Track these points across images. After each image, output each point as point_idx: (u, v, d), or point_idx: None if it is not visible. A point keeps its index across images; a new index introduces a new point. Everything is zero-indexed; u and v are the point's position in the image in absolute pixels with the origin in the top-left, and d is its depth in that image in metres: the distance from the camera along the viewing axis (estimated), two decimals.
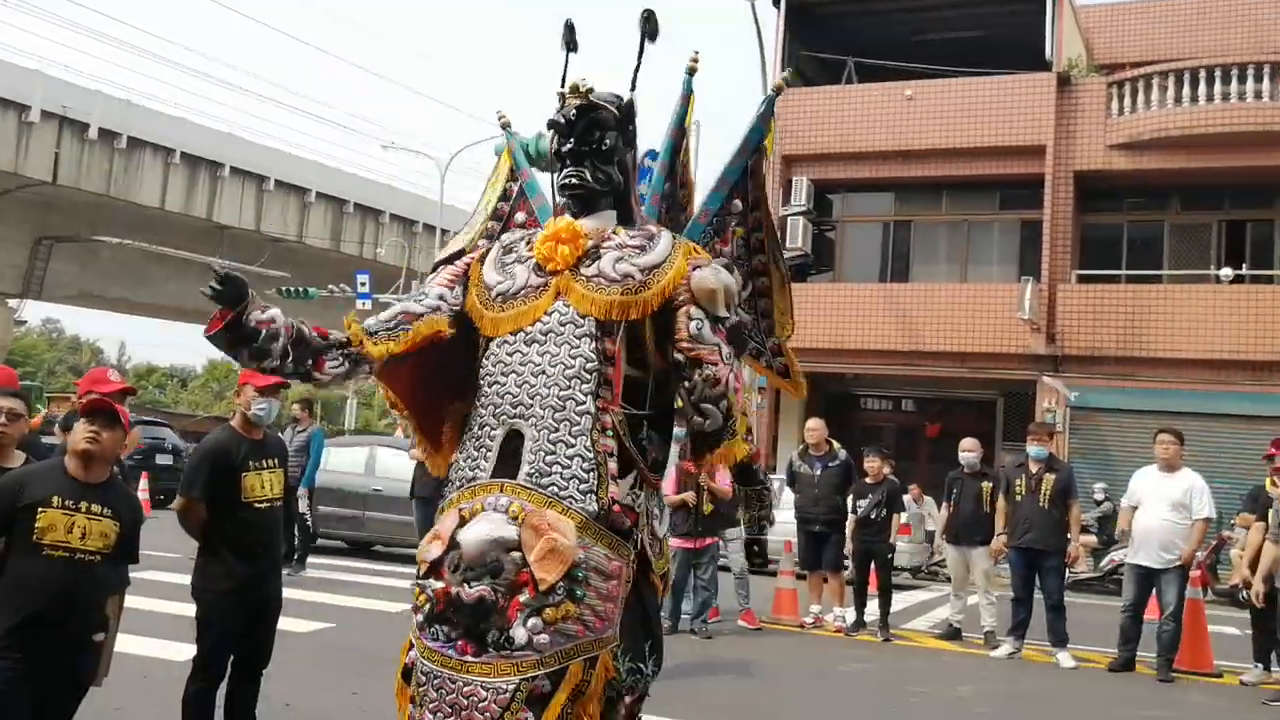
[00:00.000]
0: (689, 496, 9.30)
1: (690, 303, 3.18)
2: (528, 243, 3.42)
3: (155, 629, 7.33)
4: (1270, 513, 7.66)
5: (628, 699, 3.23)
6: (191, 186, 30.88)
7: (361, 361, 3.22)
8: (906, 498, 15.04)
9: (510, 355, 3.19)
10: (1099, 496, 15.81)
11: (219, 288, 2.97)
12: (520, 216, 3.83)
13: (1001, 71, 18.92)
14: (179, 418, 47.42)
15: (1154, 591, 8.86)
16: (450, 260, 3.60)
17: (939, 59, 19.26)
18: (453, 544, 2.98)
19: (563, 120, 3.37)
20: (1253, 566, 7.97)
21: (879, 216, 20.96)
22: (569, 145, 3.35)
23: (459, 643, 2.91)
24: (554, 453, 3.05)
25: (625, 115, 3.44)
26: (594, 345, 3.14)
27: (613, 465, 3.09)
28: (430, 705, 2.94)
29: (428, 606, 2.98)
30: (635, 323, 3.20)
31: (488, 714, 2.85)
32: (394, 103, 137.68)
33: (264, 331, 3.02)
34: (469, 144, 54.39)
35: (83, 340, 69.20)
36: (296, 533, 11.25)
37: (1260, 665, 8.72)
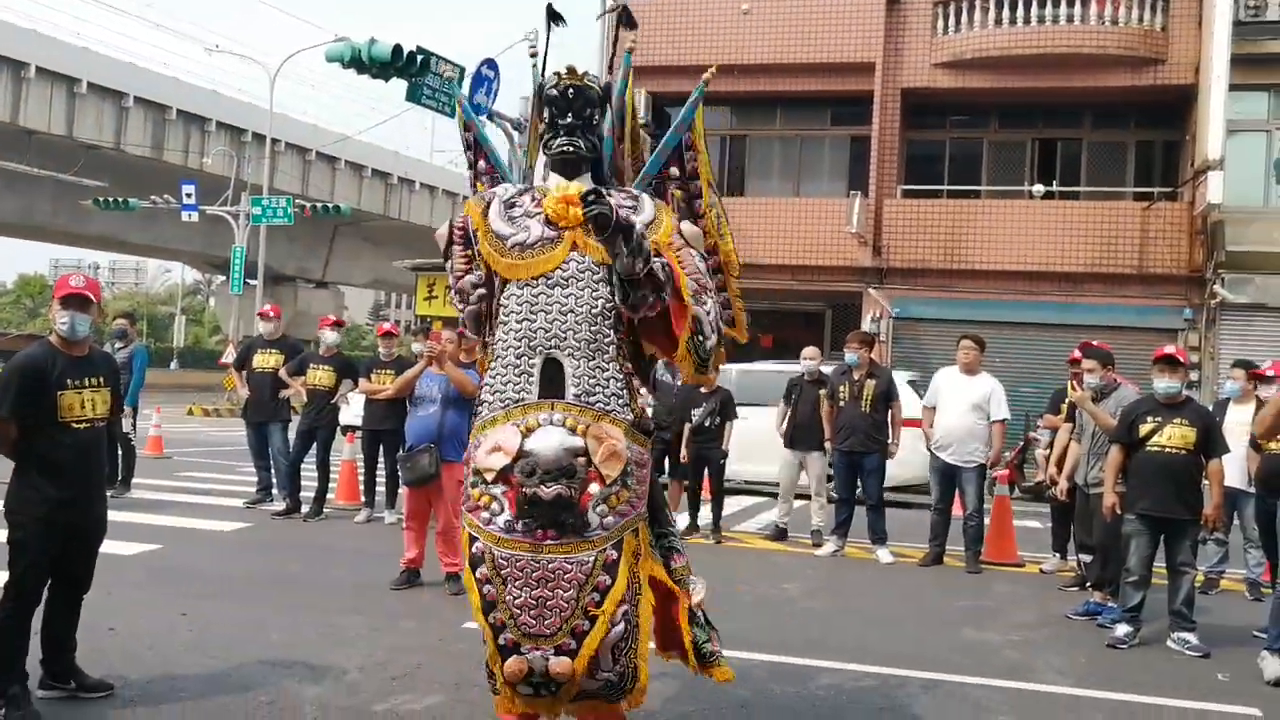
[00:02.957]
0: None
1: (686, 245, 4.05)
2: (533, 199, 4.07)
3: None
4: (1075, 414, 8.26)
5: (677, 562, 4.15)
6: None
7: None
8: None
9: (537, 296, 3.87)
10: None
11: (591, 202, 3.70)
12: (480, 165, 4.67)
13: None
14: None
15: (957, 489, 9.49)
16: (451, 238, 4.20)
17: None
18: (521, 454, 3.67)
19: (560, 95, 4.11)
20: (1060, 464, 8.62)
21: (715, 131, 21.14)
22: (568, 119, 4.08)
23: (538, 531, 3.65)
24: (594, 377, 3.82)
25: (605, 95, 4.24)
26: (609, 289, 3.87)
27: (637, 382, 3.95)
28: (516, 582, 3.66)
29: (495, 505, 3.70)
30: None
31: (574, 582, 3.65)
32: (217, 3, 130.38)
33: (637, 238, 3.83)
34: (299, 49, 52.21)
35: None
36: (120, 453, 10.95)
37: (1058, 555, 9.47)
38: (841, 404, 9.90)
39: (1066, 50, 18.04)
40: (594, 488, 3.68)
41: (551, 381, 3.80)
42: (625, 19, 4.40)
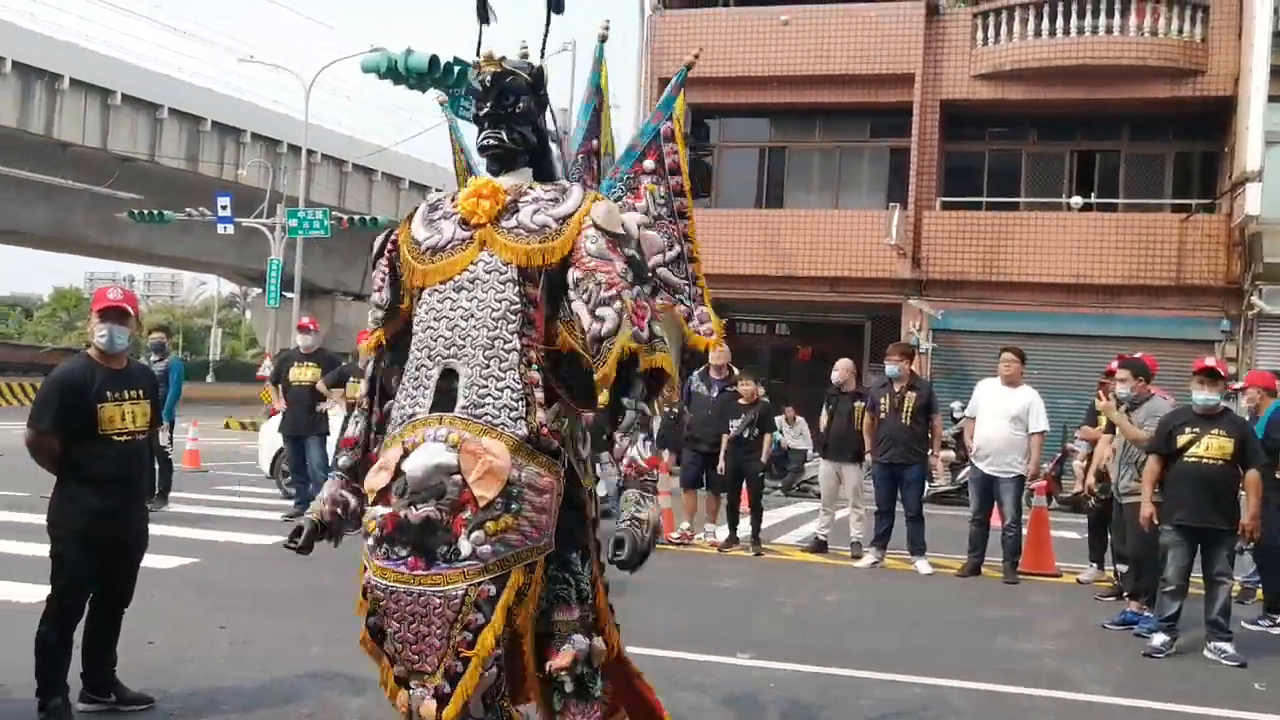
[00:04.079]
0: None
1: (591, 226, 3.49)
2: (451, 200, 3.73)
3: (3, 571, 7.21)
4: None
5: (562, 614, 3.60)
6: (26, 100, 28.86)
7: (388, 392, 3.77)
8: (781, 418, 15.67)
9: (440, 302, 3.51)
10: (958, 414, 16.64)
11: (298, 545, 3.62)
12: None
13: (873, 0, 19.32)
14: (23, 349, 45.43)
15: (995, 500, 9.55)
16: (382, 250, 3.85)
17: None
18: (398, 473, 3.31)
19: (479, 87, 3.69)
20: (1099, 475, 8.70)
21: (755, 142, 21.32)
22: (486, 109, 3.66)
23: (409, 559, 3.27)
24: (486, 386, 3.40)
25: (536, 80, 3.74)
26: (517, 290, 3.47)
27: (539, 395, 3.45)
28: (394, 615, 3.31)
29: (377, 530, 3.31)
30: (555, 269, 3.50)
31: (443, 618, 3.25)
32: (251, 13, 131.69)
33: (348, 518, 3.68)
34: (334, 60, 52.49)
35: None
36: (157, 466, 10.83)
37: (1095, 565, 9.51)
38: (882, 416, 9.99)
39: (1106, 62, 18.03)
40: (467, 512, 3.25)
41: (448, 393, 3.44)
42: (554, 2, 3.89)
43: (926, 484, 10.24)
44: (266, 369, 15.53)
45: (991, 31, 18.92)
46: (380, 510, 3.33)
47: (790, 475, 16.81)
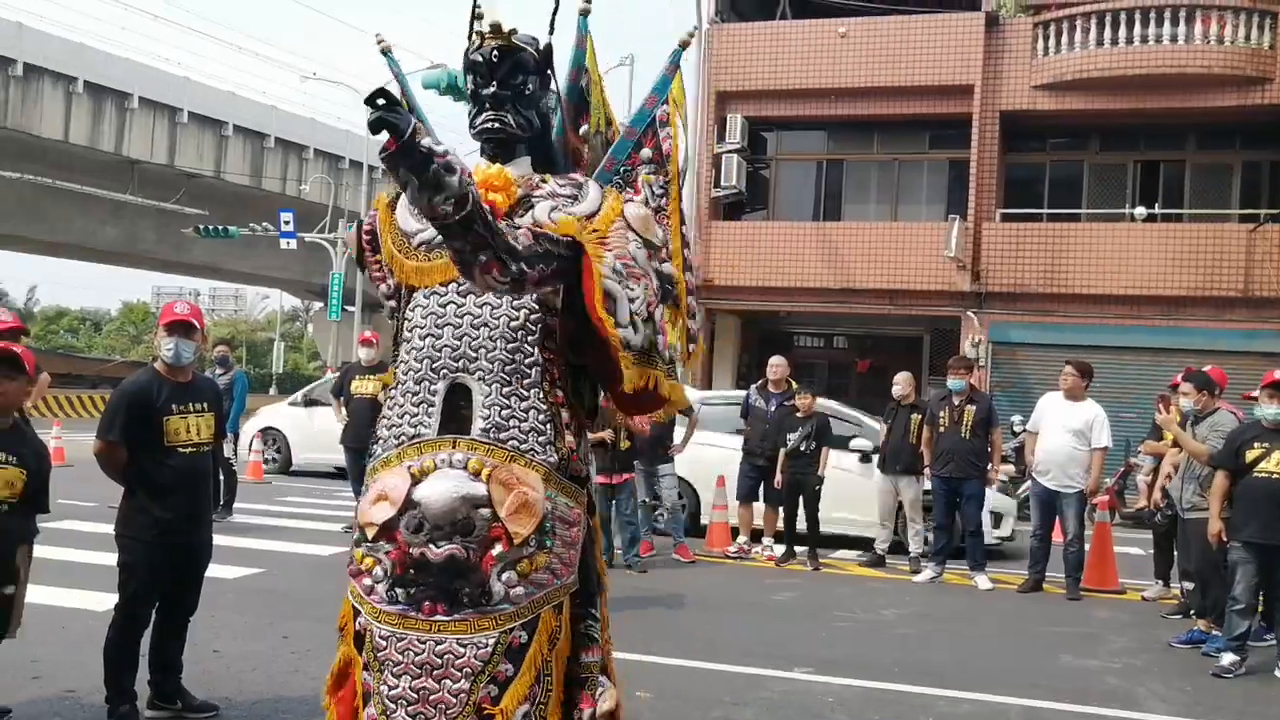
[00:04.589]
0: (607, 434, 9.38)
1: (626, 228, 3.15)
2: None
3: (73, 579, 7.30)
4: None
5: (590, 655, 3.22)
6: (97, 118, 29.47)
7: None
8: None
9: (444, 306, 3.10)
10: (1018, 428, 16.45)
11: (378, 106, 2.52)
12: None
13: (932, 10, 19.21)
14: (93, 362, 46.37)
15: (1057, 515, 9.42)
16: (362, 248, 3.49)
17: None
18: (409, 504, 2.88)
19: (482, 60, 3.25)
20: (1164, 490, 8.58)
21: (812, 155, 21.26)
22: (491, 88, 3.24)
23: (425, 603, 2.85)
24: (509, 406, 3.00)
25: (544, 59, 3.36)
26: (536, 296, 3.08)
27: (566, 416, 3.10)
28: (394, 668, 2.87)
29: (379, 570, 2.91)
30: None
31: (467, 669, 2.83)
32: (313, 30, 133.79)
33: (436, 163, 2.58)
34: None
35: None
36: (222, 477, 10.92)
37: (1161, 582, 9.35)
38: (941, 429, 9.92)
39: (1171, 70, 17.75)
40: (498, 548, 2.86)
41: (457, 413, 3.03)
42: None
43: (986, 498, 10.13)
44: (327, 382, 15.75)
45: (1052, 41, 18.72)
46: (384, 547, 2.91)
47: None
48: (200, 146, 33.46)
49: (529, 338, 3.08)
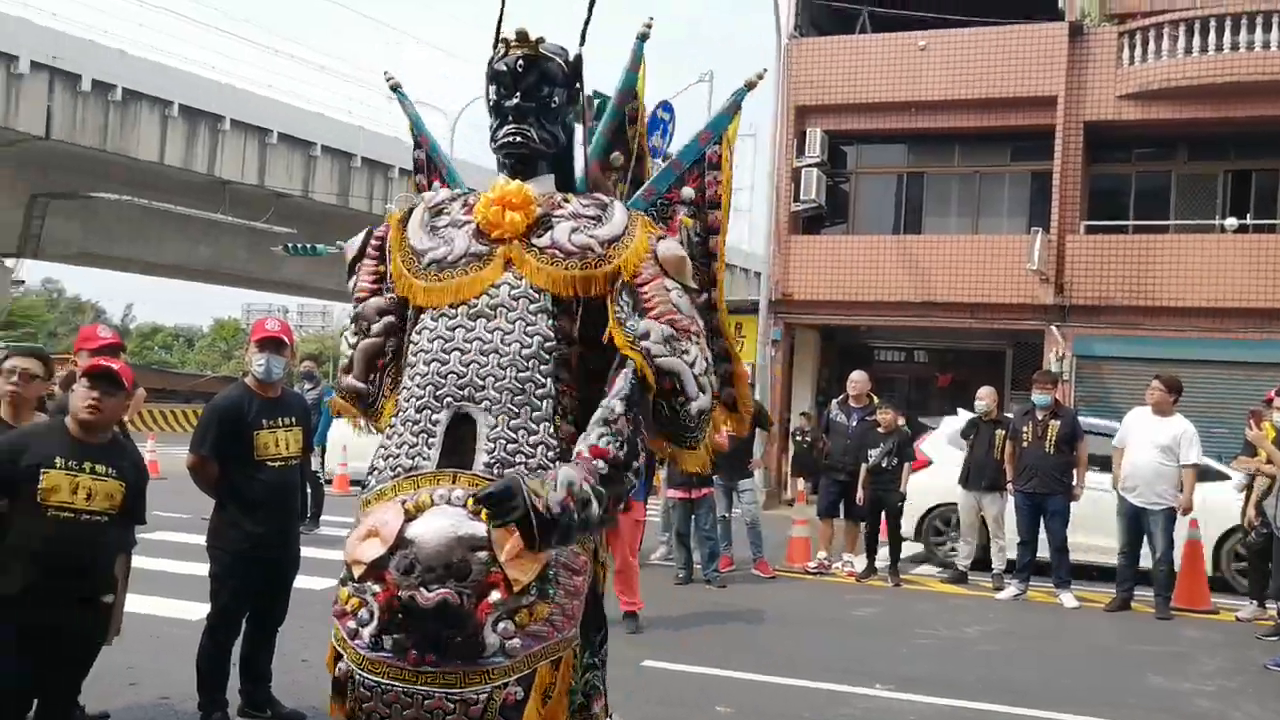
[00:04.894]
0: None
1: (661, 274, 2.95)
2: (465, 205, 3.14)
3: (167, 589, 7.49)
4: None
5: (596, 704, 3.07)
6: (191, 140, 30.19)
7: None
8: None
9: (452, 330, 2.90)
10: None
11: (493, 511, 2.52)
12: (436, 185, 3.62)
13: (1014, 21, 19.00)
14: (186, 378, 47.60)
15: (1145, 532, 9.23)
16: (363, 251, 3.37)
17: (952, 8, 19.34)
18: (401, 542, 2.65)
19: (507, 70, 3.08)
20: (1258, 507, 8.38)
21: (892, 168, 21.12)
22: (514, 100, 3.06)
23: (413, 652, 2.61)
24: (516, 440, 2.77)
25: (573, 71, 3.17)
26: (550, 323, 2.89)
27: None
28: None
29: (364, 613, 2.67)
30: (592, 299, 2.95)
31: None
32: (396, 52, 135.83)
33: (573, 518, 2.59)
34: (478, 96, 53.85)
35: (84, 301, 69.20)
36: (309, 490, 11.03)
37: (1255, 602, 9.12)
38: (1024, 444, 9.80)
39: (1261, 78, 17.32)
40: (495, 595, 2.60)
41: (459, 445, 2.80)
42: None
43: (1072, 514, 9.97)
44: None
45: (1138, 50, 18.38)
46: (372, 587, 2.65)
47: None
48: (289, 167, 34.12)
49: (542, 367, 2.85)
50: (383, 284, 3.19)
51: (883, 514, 10.52)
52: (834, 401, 11.39)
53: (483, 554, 2.61)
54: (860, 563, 10.69)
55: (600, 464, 2.66)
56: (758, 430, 11.03)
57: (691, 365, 2.88)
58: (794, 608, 8.78)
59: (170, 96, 28.85)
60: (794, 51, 19.84)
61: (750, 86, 3.43)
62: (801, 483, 13.50)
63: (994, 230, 19.62)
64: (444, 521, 2.64)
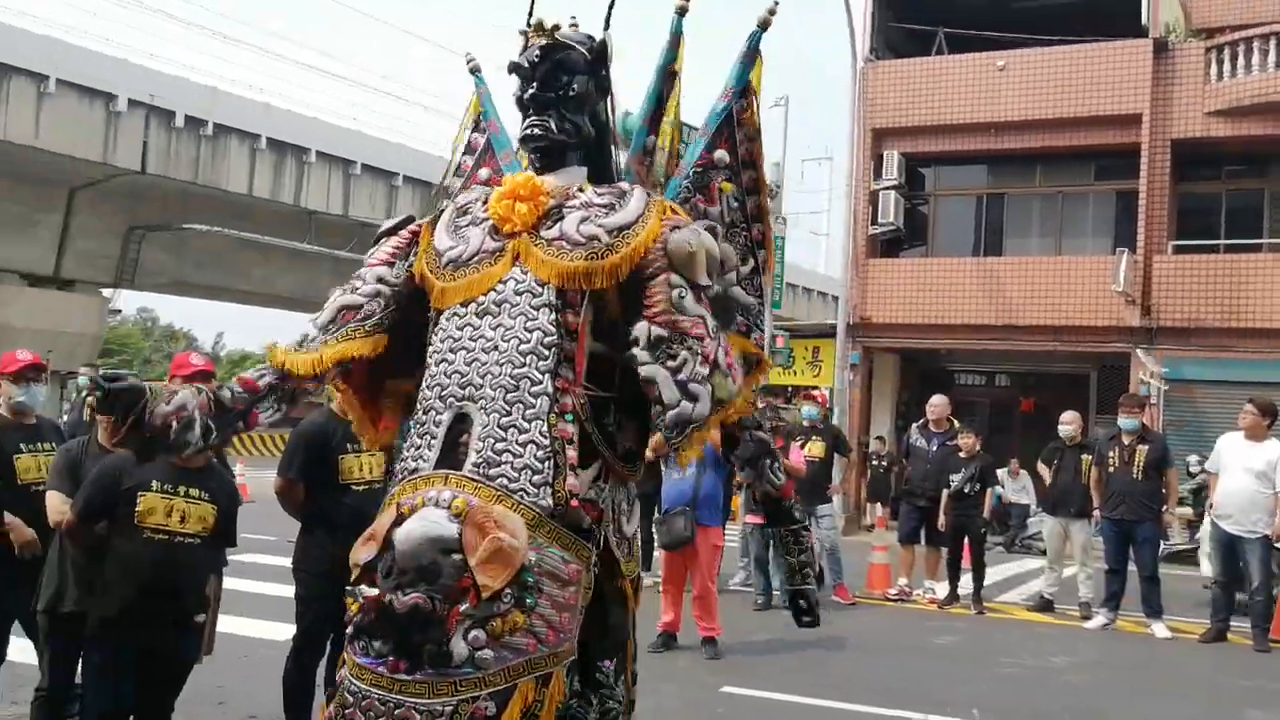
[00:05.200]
0: None
1: (668, 269, 2.78)
2: (484, 202, 3.02)
3: (256, 610, 7.58)
4: None
5: None
6: (278, 172, 30.95)
7: (298, 394, 3.05)
8: (1003, 472, 15.17)
9: (460, 329, 2.82)
10: (1194, 469, 15.71)
11: (103, 399, 2.77)
12: (484, 173, 3.41)
13: (1096, 39, 18.69)
14: None
15: (1240, 561, 8.94)
16: (395, 230, 3.25)
17: (1031, 27, 19.09)
18: (386, 544, 2.62)
19: (525, 64, 2.98)
20: None
21: (971, 189, 20.89)
22: (532, 90, 2.96)
23: (390, 658, 2.54)
24: (505, 439, 2.67)
25: (597, 57, 3.03)
26: (553, 316, 2.77)
27: (572, 453, 2.72)
28: None
29: (359, 616, 2.63)
30: (601, 292, 2.83)
31: None
32: (335, 21, 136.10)
33: (174, 424, 2.80)
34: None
35: (177, 329, 71.11)
36: None
37: None
38: (1111, 470, 9.57)
39: None
40: (465, 604, 2.50)
41: (459, 445, 2.74)
42: None
43: (1162, 542, 9.70)
44: None
45: (1227, 65, 17.97)
46: (364, 590, 2.61)
47: (1013, 531, 16.31)
48: (373, 196, 34.79)
49: (540, 363, 2.72)
50: (398, 263, 3.09)
51: (965, 540, 10.35)
52: (914, 426, 11.25)
53: (456, 557, 2.51)
54: (942, 589, 10.50)
55: (789, 503, 3.06)
56: (836, 455, 10.94)
57: (677, 370, 2.67)
58: (875, 635, 8.64)
59: (258, 130, 29.66)
60: (869, 75, 19.74)
61: (764, 26, 3.20)
62: (880, 508, 13.32)
63: (1077, 251, 19.29)
64: (420, 524, 2.56)
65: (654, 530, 8.55)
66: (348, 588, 2.69)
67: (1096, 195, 20.00)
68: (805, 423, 10.81)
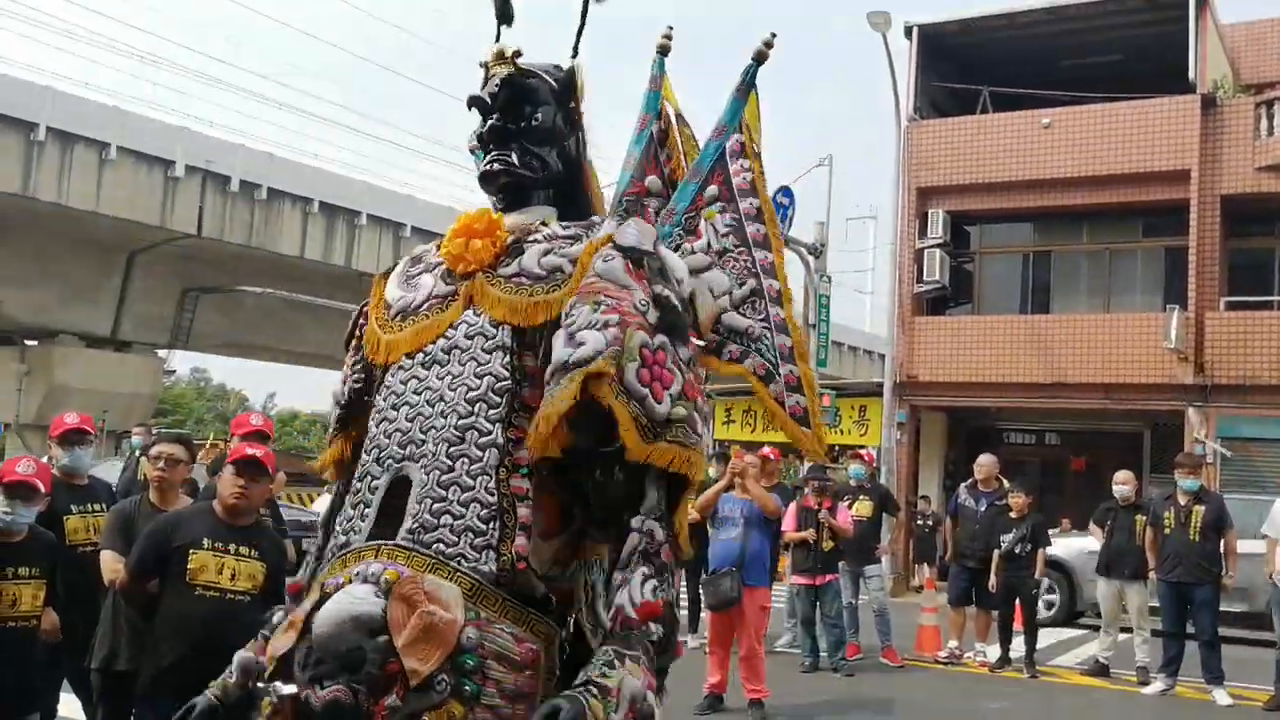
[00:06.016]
0: (809, 534, 9.36)
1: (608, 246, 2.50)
2: (439, 247, 2.72)
3: None
4: None
5: None
6: (330, 235, 31.54)
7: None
8: (1055, 531, 14.96)
9: (405, 383, 2.48)
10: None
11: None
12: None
13: (1143, 96, 18.65)
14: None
15: None
16: (350, 336, 2.90)
17: (1076, 85, 19.09)
18: (305, 630, 2.22)
19: (485, 97, 2.65)
20: None
21: (1018, 247, 20.82)
22: (491, 122, 2.66)
23: None
24: (445, 499, 2.30)
25: (564, 87, 2.73)
26: (506, 359, 2.42)
27: (524, 511, 2.31)
28: None
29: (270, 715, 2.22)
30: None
31: None
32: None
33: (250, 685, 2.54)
34: (607, 184, 55.00)
35: (230, 389, 72.12)
36: None
37: None
38: (1166, 531, 9.40)
39: None
40: (393, 696, 2.08)
41: (397, 512, 2.36)
42: None
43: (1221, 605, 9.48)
44: None
45: (1276, 120, 17.85)
46: (279, 688, 2.19)
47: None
48: None
49: (489, 411, 2.36)
50: (355, 367, 2.77)
51: (1017, 602, 10.18)
52: (962, 486, 11.14)
53: (382, 639, 2.11)
54: (993, 652, 10.32)
55: (654, 629, 2.19)
56: (884, 515, 10.84)
57: (570, 324, 2.37)
58: (924, 698, 8.50)
59: (311, 194, 30.28)
60: (914, 134, 19.80)
61: (760, 59, 3.04)
62: (927, 568, 13.15)
63: (1127, 308, 19.13)
64: (340, 603, 2.17)
65: (700, 590, 8.50)
66: (258, 684, 2.37)
67: (1145, 252, 19.86)
68: (852, 482, 10.75)
